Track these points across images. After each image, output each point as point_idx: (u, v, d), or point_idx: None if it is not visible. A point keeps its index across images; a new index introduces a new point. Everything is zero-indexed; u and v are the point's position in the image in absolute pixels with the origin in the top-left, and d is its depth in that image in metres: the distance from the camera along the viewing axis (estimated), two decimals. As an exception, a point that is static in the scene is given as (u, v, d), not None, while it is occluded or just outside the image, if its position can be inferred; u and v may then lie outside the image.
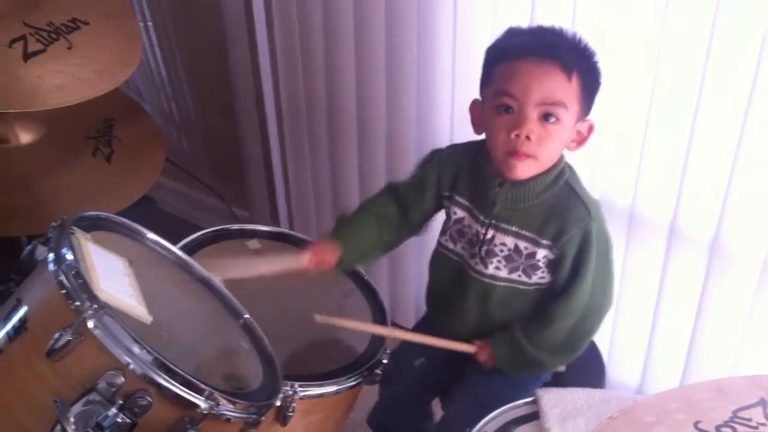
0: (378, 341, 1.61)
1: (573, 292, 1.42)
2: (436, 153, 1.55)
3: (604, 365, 1.68)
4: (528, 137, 1.35)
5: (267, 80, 2.30)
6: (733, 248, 1.63)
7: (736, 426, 0.86)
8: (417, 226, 1.60)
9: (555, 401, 1.36)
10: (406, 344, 1.67)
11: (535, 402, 1.38)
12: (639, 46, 1.59)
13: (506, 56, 1.37)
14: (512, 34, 1.43)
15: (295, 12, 2.07)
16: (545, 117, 1.35)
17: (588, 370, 1.64)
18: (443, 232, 1.55)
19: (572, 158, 1.71)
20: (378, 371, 1.57)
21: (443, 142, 1.91)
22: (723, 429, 0.85)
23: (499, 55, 1.40)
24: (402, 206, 1.56)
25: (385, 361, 1.59)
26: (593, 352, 1.68)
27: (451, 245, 1.53)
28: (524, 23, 1.67)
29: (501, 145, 1.38)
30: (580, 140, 1.42)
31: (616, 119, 1.67)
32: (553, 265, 1.44)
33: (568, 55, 1.34)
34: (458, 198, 1.50)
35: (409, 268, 2.23)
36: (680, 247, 1.71)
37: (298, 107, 2.23)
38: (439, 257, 1.56)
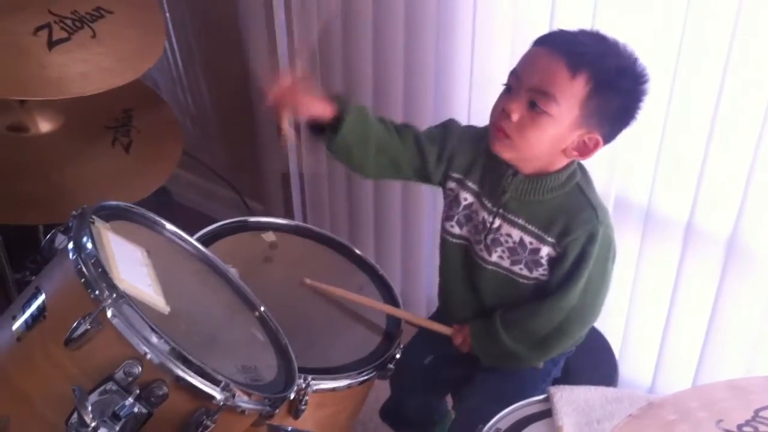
0: (392, 336, 1.61)
1: (565, 291, 1.43)
2: (455, 127, 1.51)
3: (617, 363, 1.69)
4: (510, 116, 1.34)
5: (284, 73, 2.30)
6: (750, 246, 1.63)
7: (758, 425, 0.85)
8: (405, 173, 1.52)
9: (568, 399, 1.36)
10: (416, 341, 1.68)
11: (547, 399, 1.38)
12: (659, 41, 1.58)
13: (535, 42, 1.38)
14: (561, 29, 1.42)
15: (314, 6, 2.07)
16: (532, 104, 1.34)
17: (600, 369, 1.65)
18: (449, 218, 1.54)
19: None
20: (391, 366, 1.58)
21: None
22: (745, 428, 0.85)
23: (534, 41, 1.40)
24: (411, 147, 1.49)
25: (398, 356, 1.59)
26: (605, 350, 1.69)
27: (456, 230, 1.53)
28: (543, 28, 1.67)
29: (491, 119, 1.40)
30: (583, 151, 1.39)
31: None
32: (554, 263, 1.45)
33: (582, 54, 1.32)
34: (469, 183, 1.50)
35: (422, 265, 2.23)
36: (697, 245, 1.71)
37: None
38: (444, 243, 1.57)
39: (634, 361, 1.92)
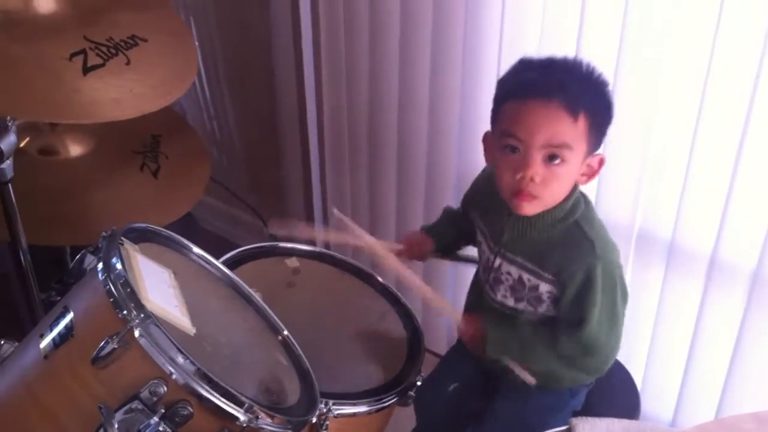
0: (413, 363, 1.62)
1: (580, 332, 1.41)
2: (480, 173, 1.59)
3: (639, 396, 1.68)
4: (533, 179, 1.34)
5: (311, 103, 2.33)
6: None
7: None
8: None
9: (590, 431, 1.36)
10: (440, 369, 1.69)
11: (569, 431, 1.38)
12: (684, 72, 1.59)
13: (513, 94, 1.35)
14: (522, 68, 1.39)
15: (342, 37, 2.10)
16: (550, 158, 1.33)
17: (622, 401, 1.64)
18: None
19: (614, 186, 1.72)
20: (411, 393, 1.58)
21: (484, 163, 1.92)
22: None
23: (507, 93, 1.37)
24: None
25: (418, 383, 1.60)
26: (627, 383, 1.68)
27: (478, 268, 1.56)
28: (571, 43, 1.70)
29: (506, 185, 1.37)
30: (591, 174, 1.40)
31: (659, 146, 1.68)
32: (556, 300, 1.43)
33: (576, 94, 1.31)
34: (480, 223, 1.52)
35: (444, 294, 2.23)
36: (720, 278, 1.70)
37: (340, 130, 2.26)
38: (473, 280, 1.60)
39: (656, 395, 1.90)
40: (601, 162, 1.40)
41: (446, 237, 1.66)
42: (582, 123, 1.32)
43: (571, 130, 1.32)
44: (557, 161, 1.33)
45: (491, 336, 1.47)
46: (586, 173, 1.40)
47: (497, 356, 1.47)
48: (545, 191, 1.36)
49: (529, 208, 1.38)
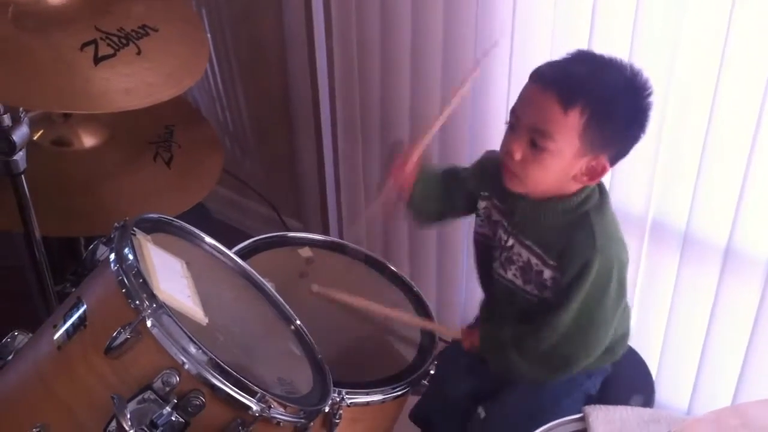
0: (426, 352, 1.62)
1: (557, 311, 1.42)
2: (488, 152, 1.59)
3: (654, 385, 1.67)
4: (513, 155, 1.37)
5: (324, 94, 2.33)
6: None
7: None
8: (456, 211, 1.63)
9: (603, 419, 1.35)
10: (455, 345, 1.68)
11: (582, 419, 1.37)
12: (699, 59, 1.58)
13: (530, 77, 1.39)
14: (563, 56, 1.41)
15: (354, 28, 2.10)
16: (532, 143, 1.36)
17: (637, 389, 1.63)
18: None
19: (628, 175, 1.71)
20: (425, 382, 1.58)
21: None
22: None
23: (529, 76, 1.41)
24: (457, 183, 1.59)
25: (432, 372, 1.59)
26: (642, 372, 1.68)
27: (478, 247, 1.58)
28: (584, 29, 1.70)
29: (501, 158, 1.42)
30: (592, 175, 1.39)
31: (673, 135, 1.67)
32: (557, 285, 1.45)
33: (577, 90, 1.32)
34: (496, 201, 1.53)
35: (457, 282, 2.23)
36: (735, 266, 1.69)
37: (353, 121, 2.25)
38: (479, 260, 1.61)
39: (671, 383, 1.89)
40: (604, 169, 1.39)
41: (431, 188, 1.58)
42: (574, 117, 1.32)
43: (558, 121, 1.33)
44: (537, 147, 1.35)
45: (486, 357, 1.54)
46: (587, 173, 1.39)
47: (492, 347, 1.53)
48: (524, 173, 1.39)
49: (511, 185, 1.42)
